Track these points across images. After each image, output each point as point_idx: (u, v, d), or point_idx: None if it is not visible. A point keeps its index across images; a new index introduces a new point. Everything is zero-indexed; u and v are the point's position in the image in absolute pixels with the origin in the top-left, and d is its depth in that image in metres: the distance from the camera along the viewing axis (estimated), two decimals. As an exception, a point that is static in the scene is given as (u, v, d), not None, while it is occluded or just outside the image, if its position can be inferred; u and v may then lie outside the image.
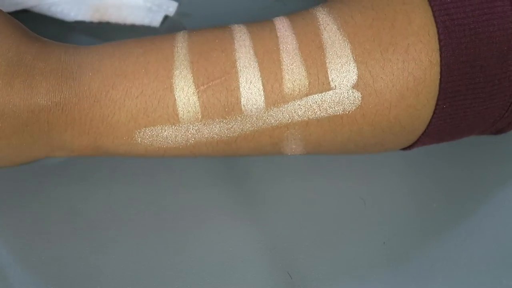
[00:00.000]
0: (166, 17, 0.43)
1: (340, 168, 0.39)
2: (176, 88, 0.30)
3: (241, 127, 0.31)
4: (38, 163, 0.37)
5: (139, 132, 0.31)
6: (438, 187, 0.38)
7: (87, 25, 0.42)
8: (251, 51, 0.31)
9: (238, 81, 0.30)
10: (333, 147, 0.33)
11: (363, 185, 0.38)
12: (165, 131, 0.31)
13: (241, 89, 0.30)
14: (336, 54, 0.30)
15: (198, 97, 0.30)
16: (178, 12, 0.43)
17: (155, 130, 0.31)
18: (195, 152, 0.33)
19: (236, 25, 0.33)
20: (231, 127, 0.31)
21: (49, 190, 0.37)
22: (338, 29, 0.31)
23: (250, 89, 0.30)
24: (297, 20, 0.32)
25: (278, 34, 0.31)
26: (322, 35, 0.31)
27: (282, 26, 0.32)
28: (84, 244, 0.35)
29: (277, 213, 0.37)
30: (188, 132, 0.31)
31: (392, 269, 0.36)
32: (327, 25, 0.31)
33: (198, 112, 0.31)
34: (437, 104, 0.31)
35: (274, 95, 0.31)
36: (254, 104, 0.31)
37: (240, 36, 0.31)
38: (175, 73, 0.31)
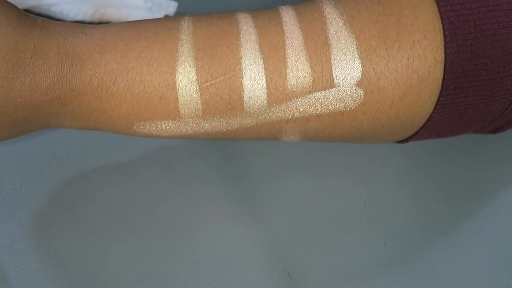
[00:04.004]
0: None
1: (340, 168, 0.39)
2: (179, 86, 0.30)
3: (241, 122, 0.31)
4: (39, 162, 0.37)
5: (138, 124, 0.31)
6: (438, 187, 0.38)
7: (87, 25, 0.42)
8: (257, 47, 0.30)
9: (242, 79, 0.30)
10: (330, 140, 0.34)
11: (363, 185, 0.38)
12: (164, 124, 0.31)
13: (244, 87, 0.30)
14: (342, 50, 0.30)
15: (201, 94, 0.30)
16: (178, 12, 0.43)
17: (155, 123, 0.31)
18: (192, 137, 0.33)
19: (241, 14, 0.32)
20: (232, 122, 0.31)
21: (49, 190, 0.37)
22: (344, 25, 0.30)
23: (254, 87, 0.30)
24: (304, 14, 0.31)
25: (285, 28, 0.31)
26: (328, 30, 0.30)
27: (289, 19, 0.31)
28: (84, 244, 0.35)
29: (277, 213, 0.37)
30: (187, 126, 0.31)
31: (392, 269, 0.35)
32: (333, 19, 0.31)
33: (199, 109, 0.31)
34: (438, 101, 0.31)
35: (277, 92, 0.30)
36: (257, 102, 0.30)
37: (246, 30, 0.31)
38: (178, 69, 0.30)
